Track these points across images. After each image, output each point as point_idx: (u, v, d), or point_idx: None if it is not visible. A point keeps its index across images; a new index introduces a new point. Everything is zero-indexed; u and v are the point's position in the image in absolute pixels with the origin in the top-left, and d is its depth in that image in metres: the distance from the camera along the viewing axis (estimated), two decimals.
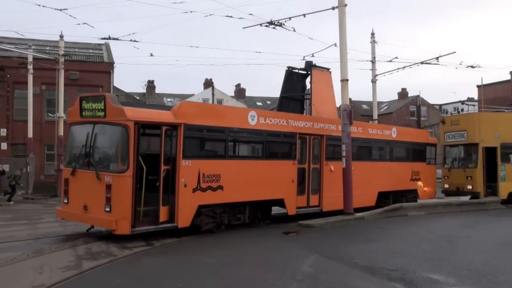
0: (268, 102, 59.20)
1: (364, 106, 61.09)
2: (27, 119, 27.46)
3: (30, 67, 26.93)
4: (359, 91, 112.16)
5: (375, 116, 28.61)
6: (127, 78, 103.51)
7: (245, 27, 20.54)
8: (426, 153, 21.40)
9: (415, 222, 16.18)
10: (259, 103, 56.14)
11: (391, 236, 13.50)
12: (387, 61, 26.92)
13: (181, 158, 11.77)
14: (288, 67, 17.42)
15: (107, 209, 10.93)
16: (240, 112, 13.51)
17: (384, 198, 19.02)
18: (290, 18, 17.54)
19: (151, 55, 23.12)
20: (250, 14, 21.21)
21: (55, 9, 21.30)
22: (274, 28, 17.75)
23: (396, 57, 26.14)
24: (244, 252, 10.90)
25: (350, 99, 16.98)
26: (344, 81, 16.11)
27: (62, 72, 26.06)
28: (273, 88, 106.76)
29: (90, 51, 35.84)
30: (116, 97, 11.51)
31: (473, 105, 28.58)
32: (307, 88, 18.17)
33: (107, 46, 35.92)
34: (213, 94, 45.06)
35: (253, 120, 13.61)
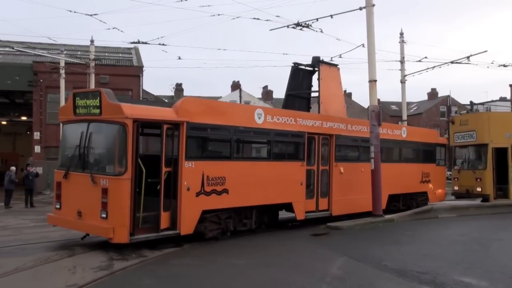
0: None
1: (393, 107, 60.37)
2: (59, 122, 27.07)
3: (62, 71, 27.21)
4: (388, 91, 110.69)
5: (404, 117, 28.09)
6: (156, 81, 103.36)
7: (272, 29, 20.46)
8: (436, 154, 20.51)
9: (446, 224, 15.83)
10: None
11: (421, 238, 13.20)
12: (416, 61, 26.31)
13: (183, 159, 10.83)
14: (294, 63, 16.50)
15: (103, 215, 9.97)
16: (246, 110, 12.57)
17: (393, 201, 18.12)
18: (317, 19, 17.37)
19: (179, 58, 24.41)
20: (277, 16, 21.53)
21: (86, 14, 21.70)
22: (301, 29, 17.60)
23: (426, 57, 25.93)
24: (273, 254, 10.77)
25: (378, 99, 16.80)
26: (373, 81, 15.83)
27: (92, 76, 26.37)
28: None
29: (120, 55, 36.31)
30: (113, 93, 10.55)
31: (482, 105, 27.73)
32: (313, 85, 17.29)
33: (136, 50, 36.32)
34: (240, 96, 44.90)
35: (260, 118, 12.68)
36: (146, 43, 21.10)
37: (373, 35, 15.80)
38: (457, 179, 23.23)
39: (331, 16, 17.28)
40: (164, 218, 10.65)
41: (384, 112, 44.34)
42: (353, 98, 60.77)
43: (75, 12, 23.62)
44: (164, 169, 10.62)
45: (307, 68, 16.87)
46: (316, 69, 16.72)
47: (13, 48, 25.22)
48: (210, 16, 17.20)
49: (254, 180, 12.49)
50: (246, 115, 12.45)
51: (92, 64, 26.60)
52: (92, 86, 25.65)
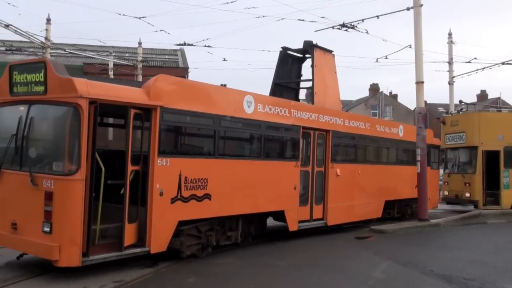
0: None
1: (440, 109, 58.67)
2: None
3: (110, 73, 27.51)
4: (435, 93, 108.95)
5: None
6: None
7: (317, 30, 20.08)
8: (431, 156, 18.62)
9: (495, 230, 15.60)
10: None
11: (469, 244, 12.95)
12: (465, 62, 25.89)
13: (156, 155, 8.33)
14: (283, 48, 14.21)
15: (46, 228, 7.35)
16: (234, 96, 10.15)
17: (387, 208, 16.06)
18: (363, 20, 17.18)
19: (224, 59, 23.62)
20: (322, 17, 22.86)
21: (134, 17, 22.74)
22: (346, 30, 17.41)
23: (475, 58, 26.18)
24: (315, 256, 10.63)
25: (425, 101, 16.50)
26: (420, 83, 15.71)
27: (140, 78, 26.76)
28: (344, 91, 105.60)
29: (166, 56, 37.04)
30: (63, 65, 7.95)
31: (474, 104, 26.33)
32: (302, 75, 15.11)
33: (182, 51, 36.90)
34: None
35: (249, 107, 10.31)
36: (192, 45, 21.47)
37: (421, 36, 15.56)
38: (447, 183, 21.62)
39: (377, 16, 16.98)
40: (129, 232, 8.13)
41: (431, 114, 42.64)
42: (399, 99, 58.64)
43: (124, 15, 25.79)
44: (130, 168, 8.11)
45: (296, 54, 14.62)
46: (307, 55, 14.55)
47: (64, 50, 25.45)
48: (255, 17, 16.60)
49: (241, 183, 10.11)
50: (234, 102, 10.03)
51: (140, 65, 27.27)
52: None
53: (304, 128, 11.91)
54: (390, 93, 58.97)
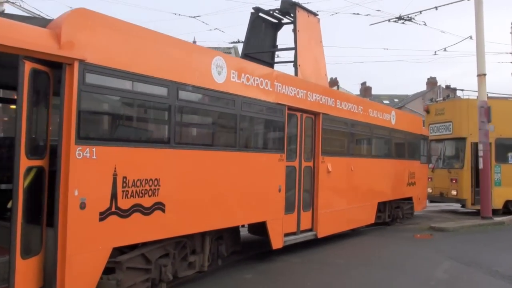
0: (396, 100, 55.37)
1: None
2: None
3: None
4: (498, 85, 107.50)
5: None
6: None
7: (372, 24, 19.97)
8: (420, 148, 16.05)
9: None
10: (385, 101, 50.20)
11: None
12: None
13: (72, 142, 4.97)
14: (255, 8, 11.03)
15: None
16: (199, 55, 6.89)
17: (378, 211, 13.22)
18: (420, 12, 16.74)
19: (277, 56, 20.94)
20: (377, 10, 23.52)
21: (189, 16, 22.73)
22: (403, 23, 17.00)
23: None
24: (373, 254, 10.24)
25: (487, 94, 15.73)
26: (482, 75, 15.28)
27: None
28: (400, 85, 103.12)
29: None
30: None
31: (462, 90, 24.10)
32: (277, 45, 12.04)
33: (235, 49, 35.47)
34: None
35: (220, 74, 7.08)
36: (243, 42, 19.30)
37: (483, 26, 15.20)
38: (431, 179, 19.11)
39: (436, 8, 16.41)
40: (26, 271, 4.79)
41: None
42: (457, 93, 55.84)
43: (179, 14, 25.60)
44: (26, 163, 4.74)
45: (270, 18, 11.48)
46: (284, 21, 11.50)
47: None
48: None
49: (209, 185, 6.88)
50: (198, 64, 6.75)
51: None
52: None
53: (289, 108, 8.82)
54: (448, 86, 57.17)
